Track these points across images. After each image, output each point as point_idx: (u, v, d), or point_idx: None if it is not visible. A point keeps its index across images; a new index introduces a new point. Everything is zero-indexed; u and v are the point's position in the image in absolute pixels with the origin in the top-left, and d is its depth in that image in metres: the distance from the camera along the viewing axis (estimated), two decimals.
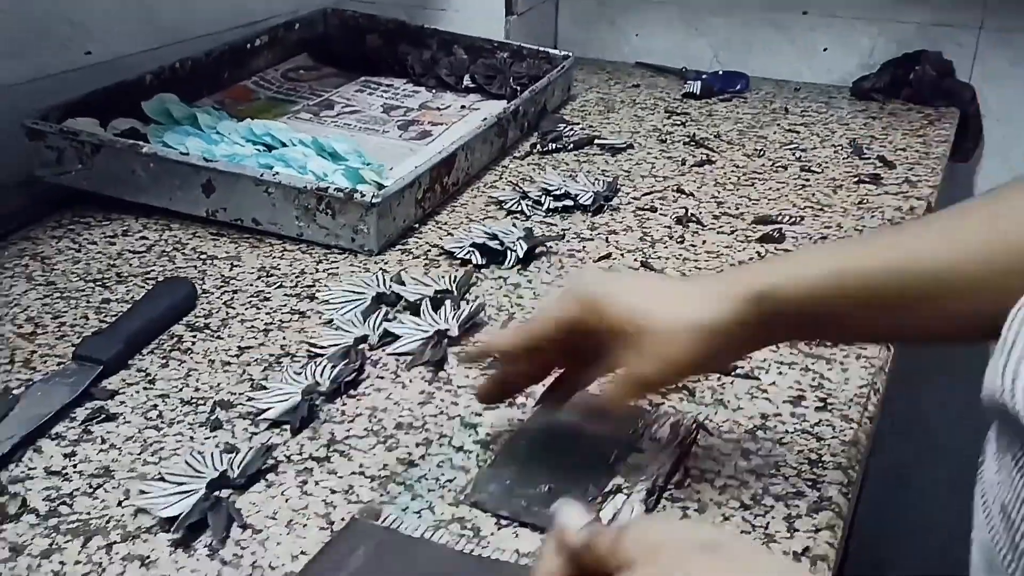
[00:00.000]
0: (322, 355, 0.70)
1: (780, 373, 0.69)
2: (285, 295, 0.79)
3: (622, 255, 0.86)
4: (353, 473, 0.59)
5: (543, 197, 0.95)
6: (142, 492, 0.56)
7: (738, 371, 0.68)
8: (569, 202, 0.95)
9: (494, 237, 0.86)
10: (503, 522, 0.55)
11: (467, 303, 0.76)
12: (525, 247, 0.84)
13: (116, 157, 0.89)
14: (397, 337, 0.72)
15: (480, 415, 0.64)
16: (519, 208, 0.94)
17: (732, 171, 1.04)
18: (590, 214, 0.93)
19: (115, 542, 0.53)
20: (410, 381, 0.68)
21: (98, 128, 0.92)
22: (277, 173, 0.86)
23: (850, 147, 1.10)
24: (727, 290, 0.52)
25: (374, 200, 0.83)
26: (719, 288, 0.53)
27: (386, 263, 0.84)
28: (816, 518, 0.55)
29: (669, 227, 0.91)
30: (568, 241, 0.88)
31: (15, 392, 0.65)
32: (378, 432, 0.63)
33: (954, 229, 0.51)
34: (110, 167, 0.89)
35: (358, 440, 0.62)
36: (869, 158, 1.08)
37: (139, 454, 0.60)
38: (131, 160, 0.89)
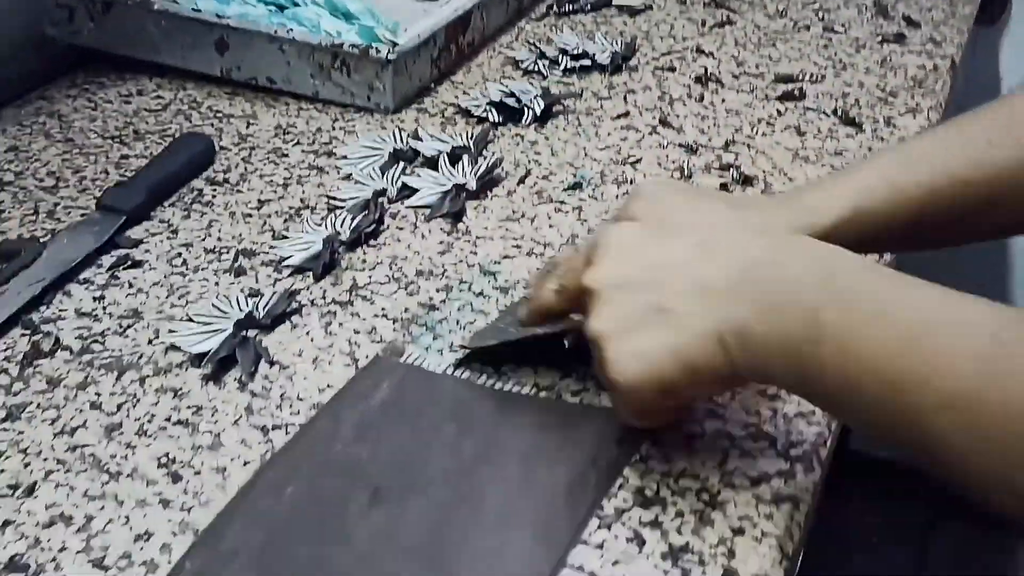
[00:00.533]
0: (341, 207, 0.70)
1: None
2: (303, 151, 0.79)
3: (640, 113, 0.85)
4: (376, 316, 0.60)
5: (560, 57, 0.94)
6: (171, 332, 0.58)
7: None
8: (587, 62, 0.93)
9: (511, 95, 0.85)
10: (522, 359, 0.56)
11: (484, 159, 0.76)
12: (542, 105, 0.84)
13: (127, 15, 0.88)
14: (415, 190, 0.72)
15: (499, 263, 0.65)
16: (536, 68, 0.93)
17: (753, 31, 1.02)
18: (608, 74, 0.92)
19: (148, 376, 0.55)
20: (429, 232, 0.69)
21: None
22: (291, 30, 0.85)
23: (874, 7, 1.08)
24: (790, 225, 0.51)
25: (389, 56, 0.82)
26: (783, 223, 0.51)
27: (402, 121, 0.84)
28: None
29: (688, 86, 0.90)
30: (585, 100, 0.87)
31: (42, 240, 0.66)
32: (399, 279, 0.64)
33: (970, 135, 0.53)
34: (121, 25, 0.88)
35: (379, 286, 0.63)
36: (893, 18, 1.05)
37: (166, 298, 0.61)
38: (142, 18, 0.87)
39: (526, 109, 0.84)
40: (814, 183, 0.56)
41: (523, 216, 0.71)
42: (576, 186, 0.74)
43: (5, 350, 0.57)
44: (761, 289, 0.42)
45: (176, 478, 0.48)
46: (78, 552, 0.44)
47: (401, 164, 0.75)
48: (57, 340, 0.57)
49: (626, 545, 0.45)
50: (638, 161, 0.78)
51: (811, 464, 0.49)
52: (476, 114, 0.84)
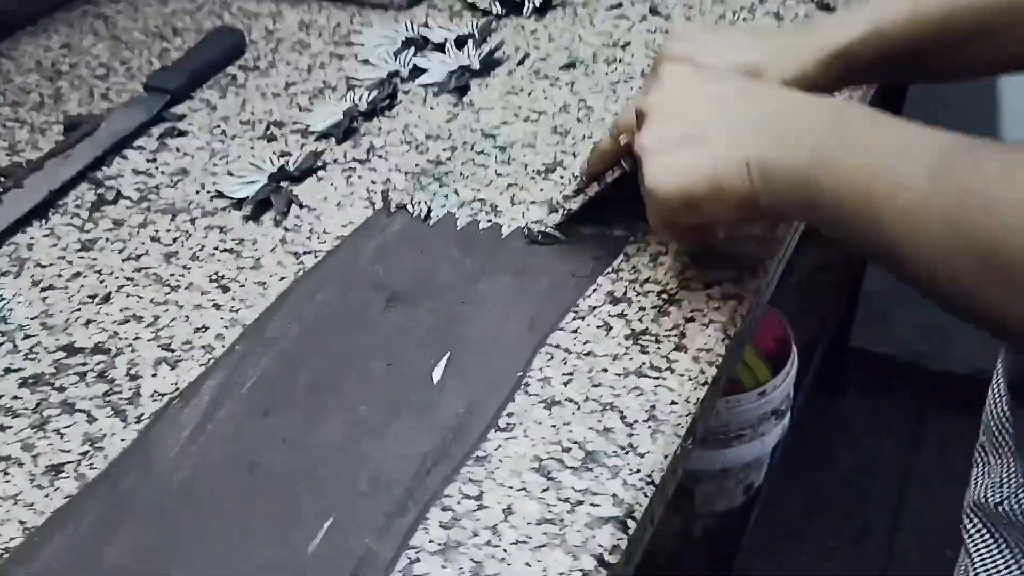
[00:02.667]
0: (359, 86, 0.79)
1: None
2: (323, 43, 0.87)
3: (632, 4, 0.93)
4: (390, 170, 0.69)
5: None
6: (215, 184, 0.67)
7: None
8: None
9: None
10: (517, 199, 0.65)
11: (487, 44, 0.84)
12: None
13: None
14: (425, 71, 0.81)
15: (498, 127, 0.74)
16: None
17: None
18: None
19: (197, 217, 0.65)
20: (437, 104, 0.78)
21: None
22: None
23: None
24: (807, 51, 0.57)
25: None
26: (799, 48, 0.57)
27: (414, 16, 0.92)
28: None
29: None
30: None
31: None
32: (410, 142, 0.73)
33: None
34: None
35: (393, 147, 0.72)
36: None
37: (209, 159, 0.71)
38: None
39: (527, 1, 0.92)
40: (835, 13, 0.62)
41: (521, 90, 0.79)
42: (570, 65, 0.82)
43: (76, 200, 0.67)
44: (782, 127, 0.49)
45: (225, 289, 0.58)
46: (149, 340, 0.55)
47: (412, 49, 0.84)
48: (119, 192, 0.67)
49: (596, 331, 0.54)
50: (628, 44, 0.86)
51: (757, 272, 0.58)
52: (481, 7, 0.92)
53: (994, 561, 0.58)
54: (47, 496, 0.46)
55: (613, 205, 0.61)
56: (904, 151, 0.44)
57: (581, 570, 0.42)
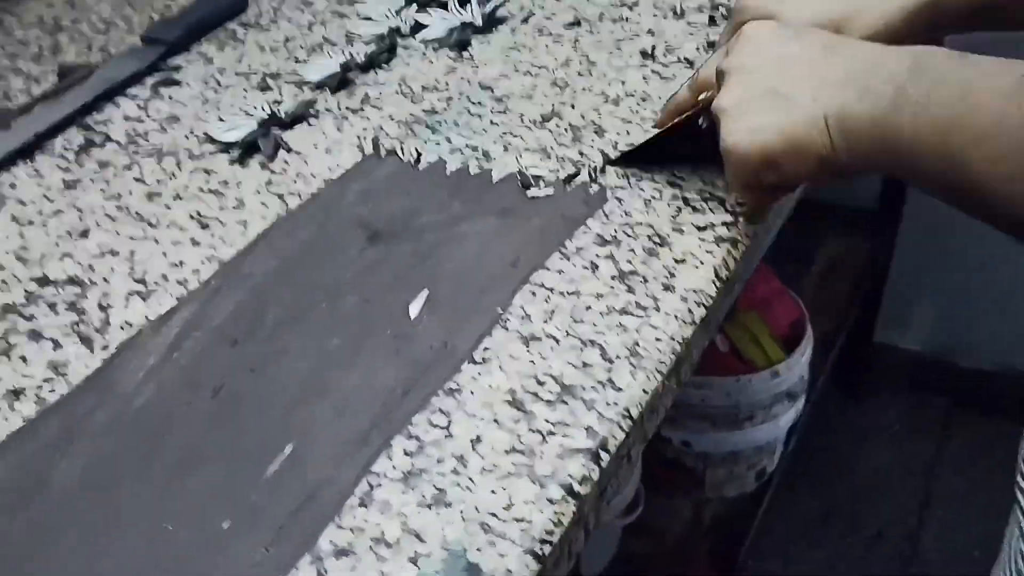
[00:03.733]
0: (359, 40, 0.78)
1: None
2: (326, 1, 0.86)
3: None
4: (383, 118, 0.68)
5: None
6: (205, 130, 0.66)
7: None
8: None
9: None
10: (508, 147, 0.63)
11: (492, 1, 0.82)
12: None
13: None
14: (426, 26, 0.80)
15: (496, 80, 0.72)
16: None
17: None
18: None
19: (183, 160, 0.64)
20: (436, 59, 0.76)
21: None
22: None
23: None
24: (893, 2, 0.55)
25: None
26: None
27: None
28: None
29: None
30: None
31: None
32: (406, 93, 0.71)
33: None
34: None
35: (388, 97, 0.70)
36: None
37: (201, 106, 0.70)
38: None
39: None
40: None
41: (523, 47, 0.77)
42: (575, 23, 0.80)
43: (63, 143, 0.66)
44: (860, 79, 0.48)
45: (205, 227, 0.57)
46: (124, 273, 0.53)
47: (415, 6, 0.82)
48: (107, 136, 0.66)
49: (582, 271, 0.52)
50: (635, 4, 0.84)
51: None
52: None
53: None
54: (4, 419, 0.45)
55: (672, 156, 0.60)
56: (979, 79, 0.44)
57: (548, 499, 0.39)
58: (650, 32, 0.79)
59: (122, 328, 0.49)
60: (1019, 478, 0.59)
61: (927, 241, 1.59)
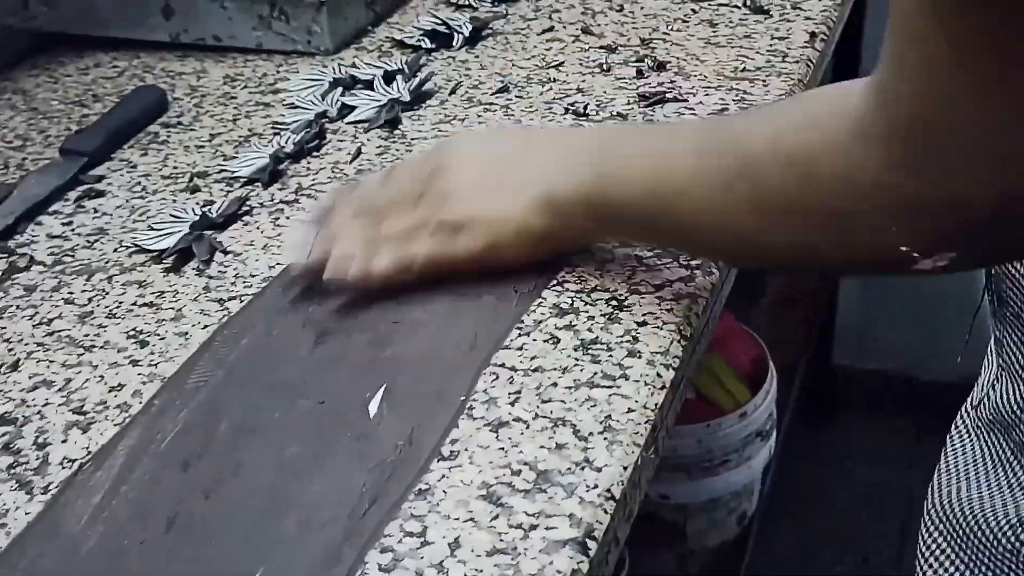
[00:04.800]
0: (286, 129, 0.76)
1: (707, 94, 0.75)
2: (250, 93, 0.84)
3: (564, 27, 0.91)
4: None
5: None
6: (134, 239, 0.64)
7: (667, 96, 0.74)
8: None
9: (443, 23, 0.91)
10: None
11: (417, 76, 0.81)
12: (471, 28, 0.89)
13: None
14: (353, 108, 0.78)
15: None
16: (467, 2, 0.98)
17: None
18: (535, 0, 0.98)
19: (115, 275, 0.61)
20: (368, 140, 0.74)
21: None
22: None
23: None
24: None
25: None
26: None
27: (342, 59, 0.89)
28: None
29: (609, 1, 0.96)
30: (512, 22, 0.93)
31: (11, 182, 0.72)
32: (340, 178, 0.69)
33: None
34: (73, 5, 0.94)
35: (322, 185, 0.68)
36: None
37: (128, 216, 0.67)
38: None
39: (456, 34, 0.89)
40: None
41: (455, 118, 0.76)
42: (503, 90, 0.80)
43: None
44: (562, 161, 0.53)
45: (143, 344, 0.54)
46: (59, 405, 0.50)
47: (340, 89, 0.81)
48: (31, 258, 0.63)
49: (543, 345, 0.50)
50: (561, 64, 0.83)
51: (709, 269, 0.54)
52: (410, 43, 0.90)
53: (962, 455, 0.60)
54: None
55: None
56: (664, 142, 0.50)
57: None
58: (579, 90, 0.78)
59: (63, 466, 0.46)
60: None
61: None
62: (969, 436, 0.61)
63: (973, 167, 0.35)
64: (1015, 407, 0.54)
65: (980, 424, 0.59)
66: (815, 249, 0.43)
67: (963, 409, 0.63)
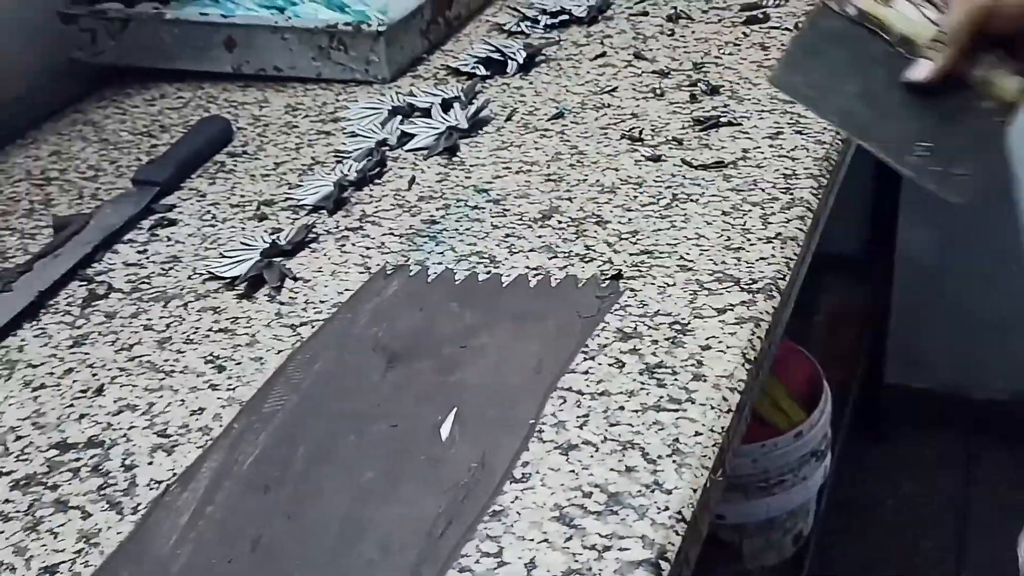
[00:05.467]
0: (348, 157, 0.78)
1: (760, 118, 0.76)
2: (311, 122, 0.87)
3: (616, 52, 0.92)
4: (384, 234, 0.67)
5: (540, 16, 1.01)
6: (207, 267, 0.66)
7: (721, 120, 0.75)
8: (565, 17, 1.01)
9: (496, 51, 0.92)
10: (515, 248, 0.63)
11: (474, 104, 0.83)
12: (524, 55, 0.91)
13: (143, 28, 0.97)
14: (412, 136, 0.80)
15: (491, 182, 0.72)
16: (519, 29, 1.00)
17: None
18: (585, 25, 0.99)
19: (190, 301, 0.63)
20: (427, 167, 0.76)
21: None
22: (290, 18, 0.93)
23: None
24: None
25: (380, 28, 0.90)
26: None
27: (399, 87, 0.91)
28: (788, 213, 0.63)
29: (660, 25, 0.97)
30: (565, 48, 0.95)
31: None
32: (402, 205, 0.71)
33: None
34: (139, 39, 0.97)
35: (385, 212, 0.70)
36: None
37: (200, 243, 0.69)
38: (157, 29, 0.97)
39: (510, 61, 0.91)
40: None
41: (511, 145, 0.78)
42: (559, 115, 0.81)
43: (67, 298, 0.65)
44: None
45: (221, 369, 0.56)
46: (144, 428, 0.52)
47: (399, 117, 0.83)
48: (110, 286, 0.66)
49: (608, 369, 0.51)
50: (615, 89, 0.85)
51: (771, 293, 0.55)
52: (465, 71, 0.92)
53: None
54: None
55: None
56: None
57: None
58: (633, 115, 0.80)
59: (150, 487, 0.48)
60: None
61: (923, 280, 1.59)
62: None
63: None
64: None
65: None
66: None
67: None
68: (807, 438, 1.04)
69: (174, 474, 0.49)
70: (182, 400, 0.54)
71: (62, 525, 0.47)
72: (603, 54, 0.92)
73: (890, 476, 1.65)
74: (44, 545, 0.46)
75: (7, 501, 0.49)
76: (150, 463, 0.50)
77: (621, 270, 0.59)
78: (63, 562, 0.45)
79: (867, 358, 1.61)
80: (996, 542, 1.50)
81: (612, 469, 0.45)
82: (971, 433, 1.67)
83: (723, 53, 0.89)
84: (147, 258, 0.69)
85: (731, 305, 0.54)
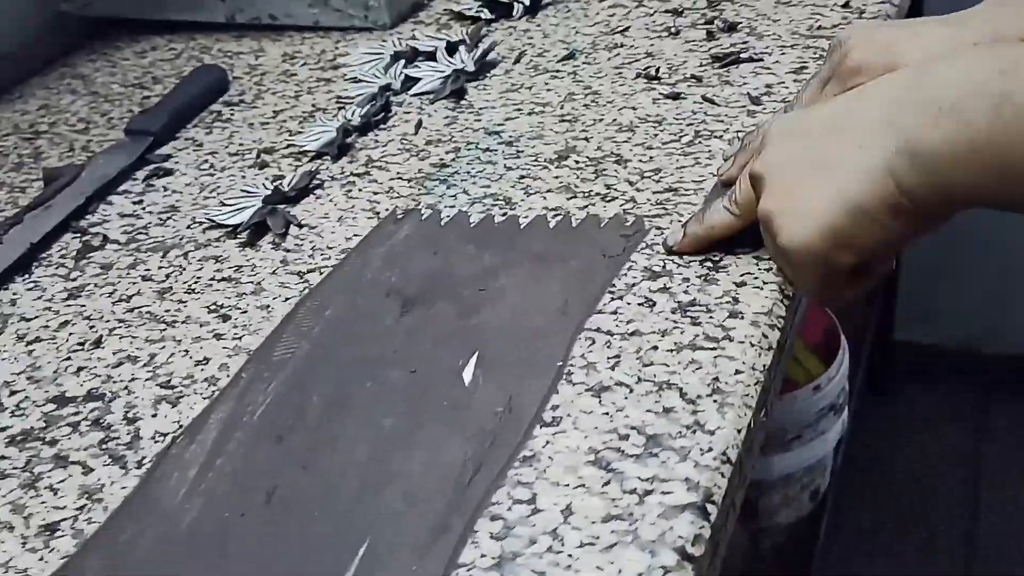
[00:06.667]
0: (351, 103, 0.75)
1: (783, 52, 0.72)
2: (310, 70, 0.83)
3: None
4: (391, 179, 0.64)
5: None
6: (207, 215, 0.63)
7: (741, 56, 0.72)
8: None
9: None
10: (531, 190, 0.60)
11: (480, 46, 0.79)
12: None
13: None
14: (417, 80, 0.77)
15: (502, 124, 0.69)
16: None
17: None
18: None
19: (190, 251, 0.60)
20: (435, 111, 0.73)
21: None
22: None
23: None
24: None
25: None
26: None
27: (400, 33, 0.88)
28: None
29: None
30: None
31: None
32: (410, 149, 0.68)
33: None
34: None
35: (392, 156, 0.67)
36: None
37: (199, 193, 0.66)
38: None
39: (516, 4, 0.87)
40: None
41: (522, 87, 0.74)
42: (570, 56, 0.78)
43: (60, 251, 0.62)
44: (925, 100, 0.39)
45: (225, 318, 0.53)
46: (146, 380, 0.49)
47: (402, 61, 0.80)
48: (105, 237, 0.62)
49: (638, 308, 0.48)
50: (627, 29, 0.81)
51: None
52: (469, 15, 0.88)
53: None
54: (41, 559, 0.40)
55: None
56: None
57: (663, 567, 0.35)
58: (648, 55, 0.76)
59: (155, 440, 0.45)
60: None
61: (933, 236, 1.56)
62: None
63: None
64: None
65: None
66: None
67: None
68: (825, 391, 1.01)
69: (180, 426, 0.46)
70: (185, 351, 0.51)
71: (62, 481, 0.44)
72: None
73: (902, 432, 1.63)
74: (44, 502, 0.43)
75: (3, 458, 0.46)
76: (154, 415, 0.47)
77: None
78: (64, 519, 0.42)
79: (878, 315, 1.59)
80: (1008, 493, 1.49)
81: (649, 411, 0.42)
82: (981, 388, 1.66)
83: None
84: (143, 208, 0.65)
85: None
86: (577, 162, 0.63)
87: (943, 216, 0.42)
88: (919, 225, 0.42)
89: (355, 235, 0.58)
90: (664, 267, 0.51)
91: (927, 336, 1.68)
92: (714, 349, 0.45)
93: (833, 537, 1.25)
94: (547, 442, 0.41)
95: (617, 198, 0.58)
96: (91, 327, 0.54)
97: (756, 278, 0.49)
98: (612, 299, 0.49)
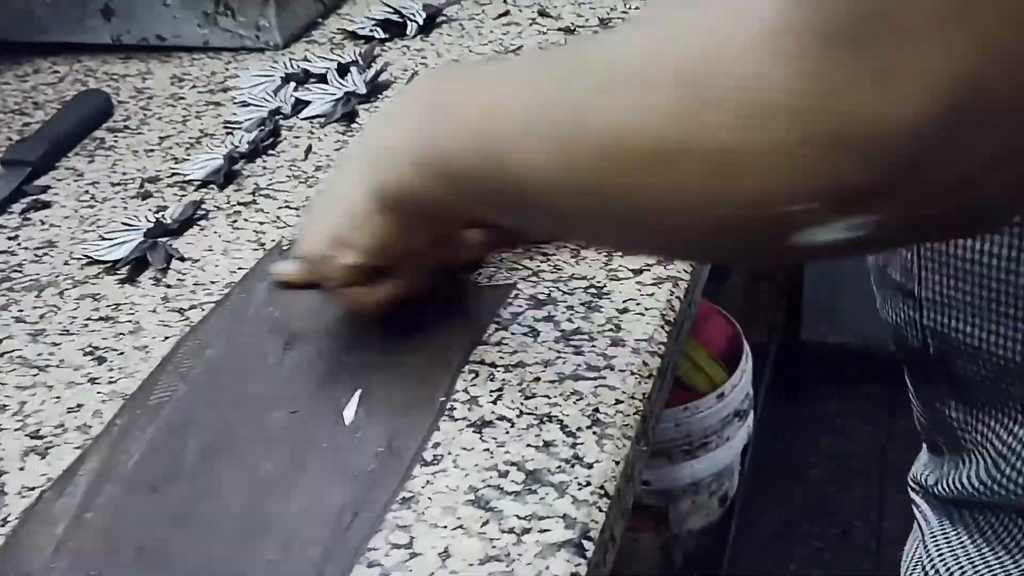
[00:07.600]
0: (239, 128, 0.73)
1: None
2: (199, 93, 0.81)
3: (520, 10, 0.89)
4: (279, 207, 0.63)
5: None
6: (84, 251, 0.61)
7: None
8: None
9: (395, 12, 0.88)
10: None
11: (373, 67, 0.79)
12: (425, 15, 0.87)
13: None
14: (308, 103, 0.75)
15: None
16: None
17: None
18: None
19: (66, 289, 0.58)
20: (325, 135, 0.72)
21: None
22: None
23: None
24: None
25: None
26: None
27: (293, 53, 0.86)
28: None
29: None
30: (467, 8, 0.91)
31: None
32: (299, 176, 0.67)
33: None
34: (8, 10, 0.90)
35: (281, 184, 0.66)
36: None
37: (78, 226, 0.64)
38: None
39: (410, 23, 0.87)
40: None
41: None
42: None
43: None
44: (387, 132, 0.46)
45: (101, 360, 0.51)
46: (15, 430, 0.47)
47: (293, 84, 0.78)
48: None
49: (523, 339, 0.48)
50: (520, 48, 0.81)
51: None
52: (362, 35, 0.87)
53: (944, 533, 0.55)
54: None
55: None
56: (508, 83, 0.39)
57: None
58: None
59: (21, 495, 0.43)
60: (910, 483, 0.58)
61: None
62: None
63: (932, 61, 0.26)
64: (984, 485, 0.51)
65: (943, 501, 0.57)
66: (671, 215, 0.33)
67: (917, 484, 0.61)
68: (729, 398, 1.03)
69: (48, 479, 0.44)
70: (57, 397, 0.49)
71: None
72: (506, 12, 0.88)
73: (811, 433, 1.67)
74: None
75: None
76: (21, 468, 0.45)
77: None
78: None
79: (785, 316, 1.62)
80: None
81: (529, 445, 0.42)
82: (888, 386, 1.71)
83: (629, 7, 0.86)
84: (18, 244, 0.63)
85: (647, 265, 0.52)
86: None
87: (451, 216, 0.47)
88: (436, 227, 0.47)
89: (240, 268, 0.57)
90: (549, 295, 0.51)
91: (833, 336, 1.72)
92: (595, 379, 0.45)
93: (744, 540, 1.28)
94: (427, 482, 0.41)
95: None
96: None
97: (639, 304, 0.49)
98: (497, 329, 0.49)
